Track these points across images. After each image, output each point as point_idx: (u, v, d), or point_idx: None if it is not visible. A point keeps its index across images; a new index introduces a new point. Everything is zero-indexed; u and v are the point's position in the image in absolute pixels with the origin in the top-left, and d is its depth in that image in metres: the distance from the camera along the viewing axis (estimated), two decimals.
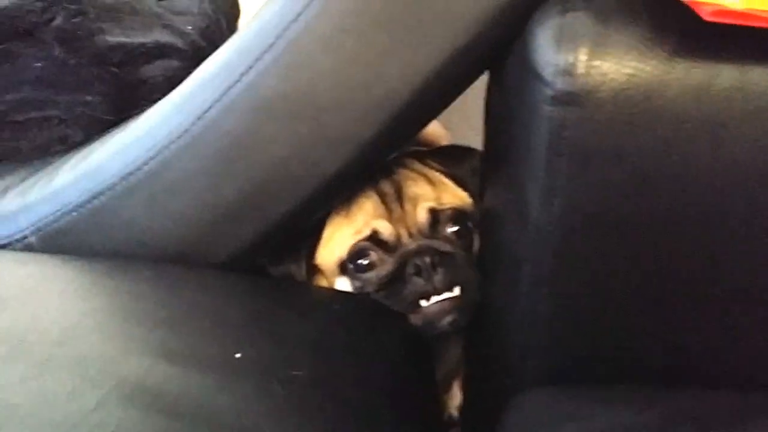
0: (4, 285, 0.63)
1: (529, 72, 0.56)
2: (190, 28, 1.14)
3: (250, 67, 0.66)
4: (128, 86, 1.05)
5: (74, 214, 0.72)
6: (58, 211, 0.73)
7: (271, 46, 0.65)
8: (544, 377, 0.61)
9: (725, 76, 0.52)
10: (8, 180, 0.90)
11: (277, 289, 0.74)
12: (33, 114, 1.02)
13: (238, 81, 0.66)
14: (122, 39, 1.05)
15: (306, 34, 0.64)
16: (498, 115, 0.71)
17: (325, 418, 0.56)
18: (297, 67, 0.65)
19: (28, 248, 0.74)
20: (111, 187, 0.71)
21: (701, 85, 0.52)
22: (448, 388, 0.88)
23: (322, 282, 0.80)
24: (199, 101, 0.68)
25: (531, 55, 0.56)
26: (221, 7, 1.22)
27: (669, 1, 0.53)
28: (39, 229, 0.73)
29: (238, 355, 0.57)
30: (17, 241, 0.74)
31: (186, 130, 0.68)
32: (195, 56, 1.11)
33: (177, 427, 0.49)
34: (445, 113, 0.72)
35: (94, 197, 0.71)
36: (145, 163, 0.70)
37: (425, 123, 0.70)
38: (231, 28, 1.21)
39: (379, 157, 0.72)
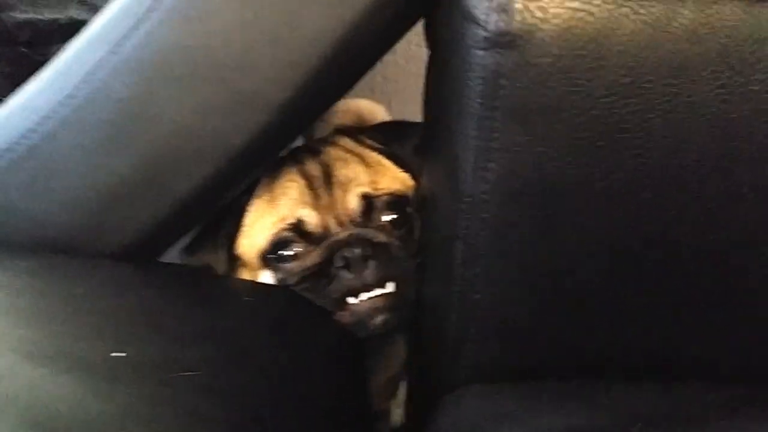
0: None
1: (461, 14, 0.47)
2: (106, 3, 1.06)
3: (142, 20, 0.56)
4: (39, 66, 0.97)
5: None
6: None
7: None
8: (479, 373, 0.52)
9: (685, 10, 0.44)
10: None
11: (177, 281, 0.63)
12: None
13: (127, 36, 0.57)
14: (32, 15, 0.98)
15: None
16: (431, 79, 0.62)
17: (219, 428, 0.46)
18: (198, 18, 0.56)
19: None
20: None
21: (658, 22, 0.44)
22: (393, 393, 0.79)
23: (245, 275, 0.70)
24: (85, 62, 0.59)
25: None
26: None
27: None
28: None
29: (118, 355, 0.48)
30: None
31: (71, 96, 0.59)
32: None
33: None
34: (384, 96, 0.63)
35: None
36: (24, 137, 0.60)
37: (349, 85, 0.61)
38: None
39: (297, 126, 0.63)
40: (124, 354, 0.48)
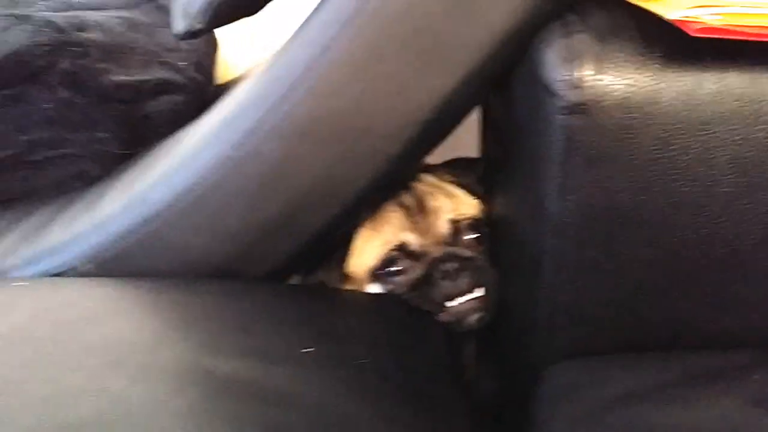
0: (81, 306, 0.69)
1: (540, 87, 0.65)
2: (184, 63, 1.21)
3: (285, 97, 0.73)
4: (136, 121, 1.13)
5: (125, 241, 0.79)
6: (109, 239, 0.79)
7: (302, 77, 0.73)
8: (568, 352, 0.69)
9: (708, 82, 0.62)
10: (40, 216, 0.96)
11: (318, 295, 0.81)
12: (49, 153, 1.09)
13: (273, 110, 0.74)
14: (125, 78, 1.12)
15: (336, 65, 0.72)
16: (504, 126, 0.80)
17: (397, 398, 0.64)
18: (328, 95, 0.73)
19: (83, 274, 0.80)
20: (158, 214, 0.78)
21: (688, 92, 0.62)
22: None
23: (353, 287, 0.87)
24: (238, 129, 0.75)
25: (542, 72, 0.65)
26: (206, 41, 1.29)
27: (655, 21, 0.63)
28: (93, 257, 0.80)
29: (306, 350, 0.65)
30: (72, 269, 0.80)
31: (228, 157, 0.76)
32: (195, 90, 1.20)
33: (271, 414, 0.57)
34: None
35: (143, 224, 0.78)
36: (191, 190, 0.77)
37: (443, 138, 0.79)
38: (213, 61, 1.29)
39: (404, 172, 0.81)
40: (309, 350, 0.66)
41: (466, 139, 0.90)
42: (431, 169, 0.91)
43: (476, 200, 0.89)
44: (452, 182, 0.90)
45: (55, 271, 0.81)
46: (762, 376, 0.61)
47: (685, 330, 0.69)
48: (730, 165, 0.63)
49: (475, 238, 0.86)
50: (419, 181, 0.89)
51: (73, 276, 0.80)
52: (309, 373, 0.62)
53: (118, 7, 1.27)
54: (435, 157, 0.85)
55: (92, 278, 0.78)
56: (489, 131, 0.89)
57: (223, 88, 1.26)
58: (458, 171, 0.92)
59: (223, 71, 1.34)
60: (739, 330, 0.68)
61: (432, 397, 0.67)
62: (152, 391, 0.57)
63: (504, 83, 0.75)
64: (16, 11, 1.12)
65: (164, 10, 1.28)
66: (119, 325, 0.67)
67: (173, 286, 0.75)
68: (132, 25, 1.22)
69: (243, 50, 1.40)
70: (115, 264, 0.79)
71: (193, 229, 0.78)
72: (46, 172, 1.07)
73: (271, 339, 0.67)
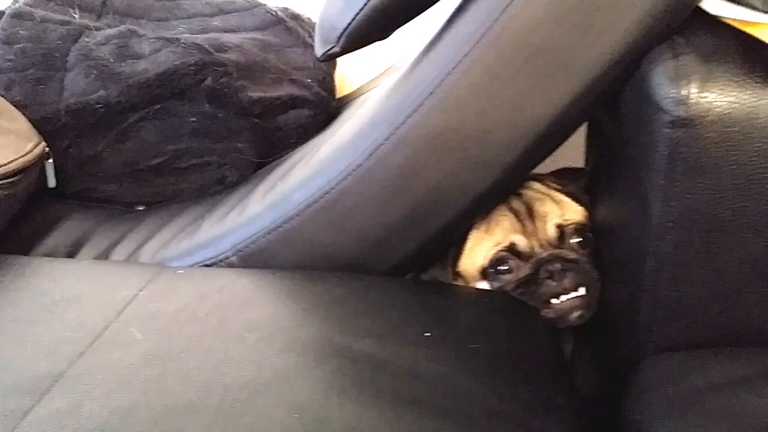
0: (232, 292, 0.81)
1: (649, 103, 0.71)
2: (310, 80, 1.32)
3: (414, 111, 0.82)
4: (269, 133, 1.24)
5: (268, 236, 0.90)
6: (254, 234, 0.91)
7: (431, 93, 0.81)
8: (666, 345, 0.76)
9: None
10: (188, 216, 1.09)
11: (434, 289, 0.90)
12: (194, 161, 1.21)
13: (403, 123, 0.83)
14: (261, 94, 1.23)
15: (460, 83, 0.80)
16: (611, 138, 0.86)
17: (508, 377, 0.72)
18: (452, 109, 0.82)
19: (230, 265, 0.92)
20: (298, 214, 0.88)
21: None
22: None
23: (463, 283, 0.96)
24: (370, 139, 0.85)
25: (651, 90, 0.71)
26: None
27: (756, 45, 0.69)
28: (239, 250, 0.91)
29: (427, 335, 0.74)
30: (221, 260, 0.92)
31: (360, 165, 0.85)
32: (320, 105, 1.31)
33: (398, 385, 0.66)
34: None
35: (285, 222, 0.89)
36: (327, 193, 0.87)
37: (555, 149, 0.86)
38: (333, 78, 1.40)
39: (518, 178, 0.89)
40: (429, 334, 0.75)
41: (573, 150, 0.97)
42: (539, 177, 0.98)
43: (581, 207, 0.96)
44: (559, 190, 0.97)
45: (208, 262, 0.93)
46: None
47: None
48: None
49: (579, 241, 0.93)
50: (528, 187, 0.96)
51: (223, 266, 0.92)
52: (429, 352, 0.71)
53: (251, 29, 1.40)
54: (543, 167, 0.92)
55: (239, 269, 0.89)
56: (595, 143, 0.96)
57: (342, 102, 1.37)
58: (565, 180, 0.99)
59: (340, 86, 1.45)
60: None
61: (538, 378, 0.74)
62: (299, 361, 0.67)
63: (613, 99, 0.82)
64: (166, 34, 1.26)
65: (292, 32, 1.40)
66: (267, 308, 0.78)
67: (309, 277, 0.85)
68: (265, 46, 1.34)
69: (356, 67, 1.50)
70: (259, 257, 0.90)
71: (328, 227, 0.88)
72: (192, 177, 1.19)
73: (395, 324, 0.76)
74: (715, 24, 0.74)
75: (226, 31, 1.39)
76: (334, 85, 1.39)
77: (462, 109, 0.81)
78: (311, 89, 1.31)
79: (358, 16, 0.86)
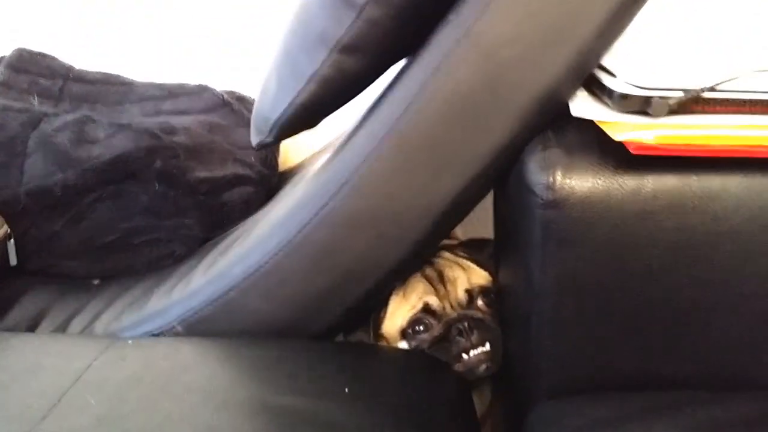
0: (176, 359, 0.92)
1: (526, 188, 0.85)
2: (254, 159, 1.45)
3: (335, 194, 0.95)
4: (214, 210, 1.36)
5: (209, 307, 1.01)
6: (197, 306, 1.02)
7: (347, 181, 0.94)
8: (550, 393, 0.88)
9: (647, 183, 0.82)
10: (139, 288, 1.20)
11: (363, 350, 1.02)
12: (145, 237, 1.32)
13: (325, 205, 0.95)
14: (207, 174, 1.34)
15: (372, 172, 0.93)
16: (504, 216, 1.00)
17: (417, 426, 0.84)
18: (366, 194, 0.94)
19: (176, 334, 1.02)
20: (237, 285, 1.00)
21: (632, 191, 0.81)
22: (483, 424, 1.15)
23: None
24: (297, 219, 0.97)
25: (526, 177, 0.85)
26: None
27: (608, 139, 0.83)
28: (183, 320, 1.02)
29: (347, 390, 0.85)
30: (168, 330, 1.03)
31: (289, 241, 0.97)
32: (262, 182, 1.43)
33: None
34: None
35: (225, 293, 1.01)
36: (261, 266, 0.99)
37: (456, 225, 1.00)
38: (276, 155, 1.53)
39: (428, 250, 1.02)
40: (348, 390, 0.86)
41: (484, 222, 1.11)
42: (450, 247, 1.12)
43: (486, 272, 1.09)
44: (467, 258, 1.10)
45: (155, 332, 1.04)
46: (693, 410, 0.79)
47: (642, 373, 0.87)
48: (669, 248, 0.82)
49: (485, 302, 1.06)
50: (440, 257, 1.10)
51: (169, 336, 1.03)
52: (347, 405, 0.83)
53: (199, 112, 1.52)
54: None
55: (183, 338, 1.01)
56: (497, 217, 1.10)
57: (284, 176, 1.50)
58: (472, 249, 1.13)
59: (285, 158, 1.57)
60: (682, 374, 0.86)
61: (445, 426, 0.86)
62: (231, 418, 0.78)
63: (503, 182, 0.96)
64: (120, 121, 1.38)
65: (237, 114, 1.53)
66: (206, 372, 0.89)
67: (246, 343, 0.96)
68: (212, 127, 1.46)
69: (300, 141, 1.62)
70: (202, 326, 1.02)
71: (262, 297, 1.00)
72: (143, 252, 1.30)
73: (318, 382, 0.87)
74: (580, 121, 0.88)
75: (176, 114, 1.50)
76: (276, 163, 1.51)
77: (374, 195, 0.95)
78: (254, 168, 1.43)
79: (287, 111, 1.00)
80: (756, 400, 0.83)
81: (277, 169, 1.50)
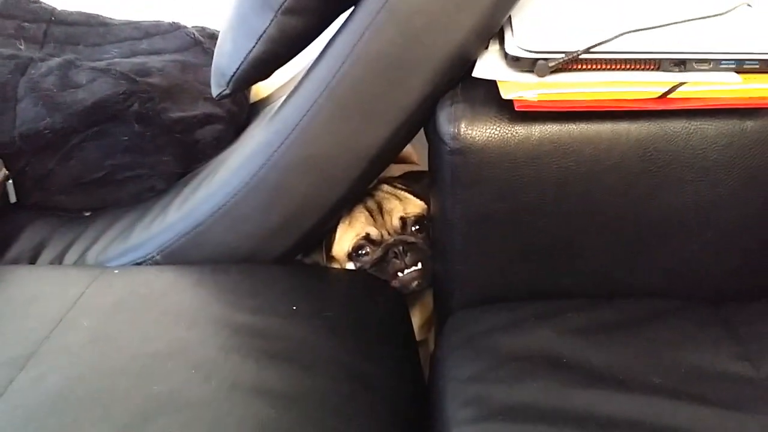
0: (155, 285, 1.10)
1: (437, 137, 1.01)
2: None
3: (284, 141, 1.10)
4: (189, 147, 1.50)
5: (183, 239, 1.19)
6: (173, 238, 1.20)
7: (294, 128, 1.10)
8: (463, 303, 1.08)
9: (535, 131, 0.97)
10: (125, 221, 1.37)
11: (314, 272, 1.21)
12: (128, 173, 1.47)
13: (276, 150, 1.12)
14: (180, 114, 1.47)
15: (313, 121, 1.09)
16: (430, 154, 1.17)
17: (356, 335, 1.03)
18: (309, 140, 1.10)
19: (155, 263, 1.21)
20: (204, 221, 1.17)
21: (524, 138, 0.98)
22: (429, 328, 1.35)
23: (336, 264, 1.27)
24: (253, 164, 1.14)
25: (438, 128, 1.01)
26: None
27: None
28: (162, 251, 1.20)
29: (294, 308, 1.04)
30: (149, 260, 1.21)
31: (247, 183, 1.14)
32: (232, 120, 1.57)
33: (269, 345, 0.96)
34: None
35: (197, 226, 1.18)
36: (224, 205, 1.16)
37: (390, 163, 1.17)
38: (246, 93, 1.66)
39: (365, 186, 1.19)
40: (296, 308, 1.05)
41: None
42: (389, 180, 1.29)
43: (421, 201, 1.26)
44: (404, 189, 1.27)
45: (137, 262, 1.22)
46: (572, 315, 0.98)
47: (536, 287, 1.06)
48: (555, 185, 0.99)
49: (417, 228, 1.24)
50: (379, 189, 1.27)
51: (149, 265, 1.21)
52: (295, 321, 1.02)
53: (173, 51, 1.64)
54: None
55: (162, 266, 1.19)
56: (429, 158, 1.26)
57: (255, 108, 1.64)
58: (410, 180, 1.29)
59: (254, 93, 1.70)
60: (568, 286, 1.05)
61: (380, 335, 1.05)
62: (199, 334, 0.97)
63: (426, 130, 1.12)
64: (100, 63, 1.50)
65: (209, 53, 1.64)
66: (180, 297, 1.08)
67: (214, 269, 1.15)
68: (184, 67, 1.58)
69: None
70: (177, 255, 1.19)
71: (227, 230, 1.17)
72: (127, 187, 1.46)
73: (272, 301, 1.06)
74: (483, 80, 1.03)
75: (151, 54, 1.62)
76: (246, 101, 1.64)
77: (316, 141, 1.11)
78: (224, 107, 1.56)
79: (242, 65, 1.14)
80: (626, 305, 1.02)
81: (247, 106, 1.63)
